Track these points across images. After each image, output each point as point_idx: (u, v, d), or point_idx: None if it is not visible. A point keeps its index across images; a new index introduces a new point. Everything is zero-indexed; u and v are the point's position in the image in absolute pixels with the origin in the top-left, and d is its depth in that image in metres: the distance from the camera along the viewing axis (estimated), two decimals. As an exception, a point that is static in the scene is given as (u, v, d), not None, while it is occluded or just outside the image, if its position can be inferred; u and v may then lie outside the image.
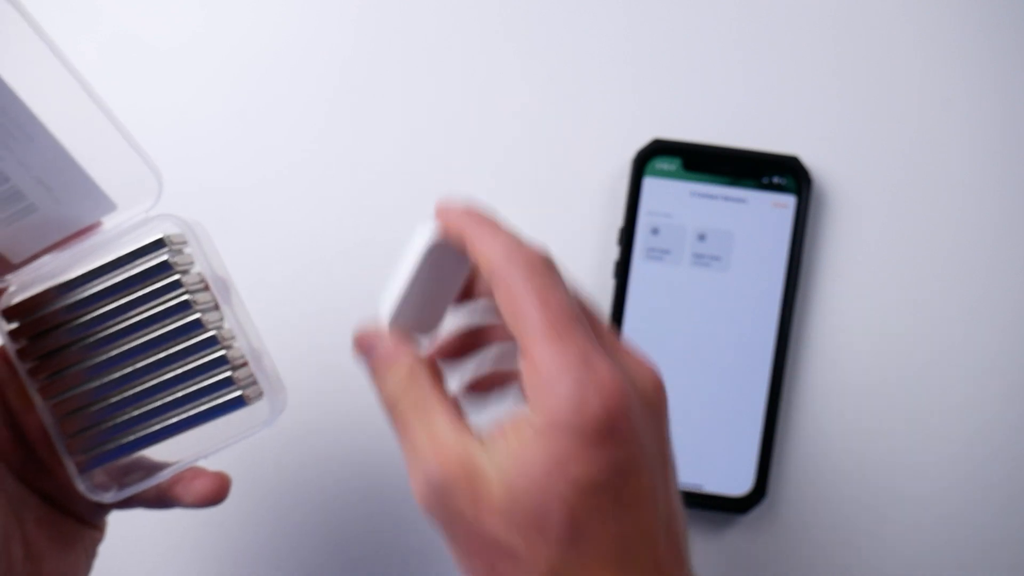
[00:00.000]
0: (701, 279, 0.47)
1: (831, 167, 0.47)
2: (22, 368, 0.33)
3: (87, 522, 0.36)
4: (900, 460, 0.47)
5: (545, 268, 0.28)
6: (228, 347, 0.33)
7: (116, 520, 0.37)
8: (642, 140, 0.47)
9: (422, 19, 0.48)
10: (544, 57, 0.48)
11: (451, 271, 0.33)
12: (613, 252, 0.47)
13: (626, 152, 0.47)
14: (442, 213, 0.31)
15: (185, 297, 0.33)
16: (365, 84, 0.48)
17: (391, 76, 0.48)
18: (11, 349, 0.33)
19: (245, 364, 0.34)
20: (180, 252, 0.33)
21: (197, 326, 0.33)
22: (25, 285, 0.33)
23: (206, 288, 0.34)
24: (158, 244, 0.33)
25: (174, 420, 0.33)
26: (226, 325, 0.34)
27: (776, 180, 0.47)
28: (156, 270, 0.33)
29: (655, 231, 0.47)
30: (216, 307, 0.34)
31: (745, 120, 0.48)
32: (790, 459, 0.47)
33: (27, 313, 0.33)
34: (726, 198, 0.47)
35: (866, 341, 0.47)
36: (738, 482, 0.46)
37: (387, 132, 0.48)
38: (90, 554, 0.36)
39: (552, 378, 0.26)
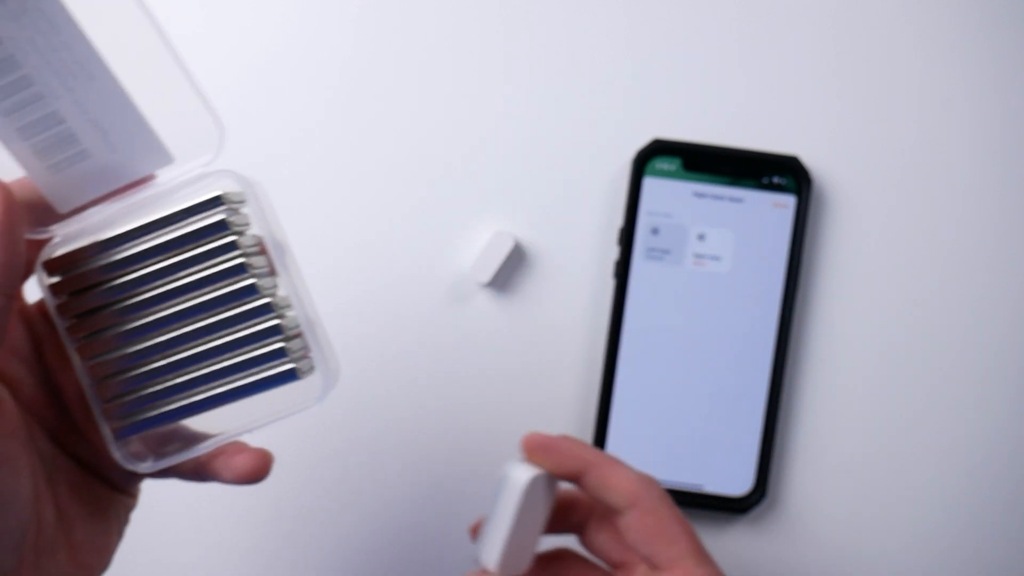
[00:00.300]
0: (701, 279, 0.47)
1: (831, 167, 0.47)
2: (61, 325, 0.31)
3: (120, 489, 0.34)
4: (900, 459, 0.47)
5: (671, 498, 0.34)
6: (282, 316, 0.31)
7: (148, 486, 0.36)
8: (642, 140, 0.47)
9: (422, 19, 0.48)
10: (544, 57, 0.48)
11: (542, 507, 0.34)
12: (613, 252, 0.47)
13: (626, 152, 0.47)
14: (542, 448, 0.34)
15: (240, 260, 0.30)
16: (364, 84, 0.48)
17: (390, 76, 0.48)
18: (51, 304, 0.31)
19: (299, 335, 0.31)
20: (236, 212, 0.31)
21: (251, 292, 0.31)
22: (70, 237, 0.31)
23: (261, 252, 0.31)
24: (215, 201, 0.30)
25: (220, 390, 0.31)
26: (280, 292, 0.31)
27: (776, 180, 0.47)
28: (211, 229, 0.30)
29: (655, 231, 0.47)
30: (271, 272, 0.31)
31: (745, 120, 0.48)
32: (790, 459, 0.47)
33: (70, 267, 0.31)
34: (726, 198, 0.47)
35: (866, 341, 0.47)
36: (738, 482, 0.46)
37: (386, 132, 0.48)
38: (122, 521, 0.35)
39: None
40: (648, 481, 0.34)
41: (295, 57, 0.48)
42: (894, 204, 0.47)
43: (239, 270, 0.31)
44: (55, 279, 0.31)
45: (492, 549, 0.34)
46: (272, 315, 0.31)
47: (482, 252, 0.47)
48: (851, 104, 0.47)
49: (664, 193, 0.47)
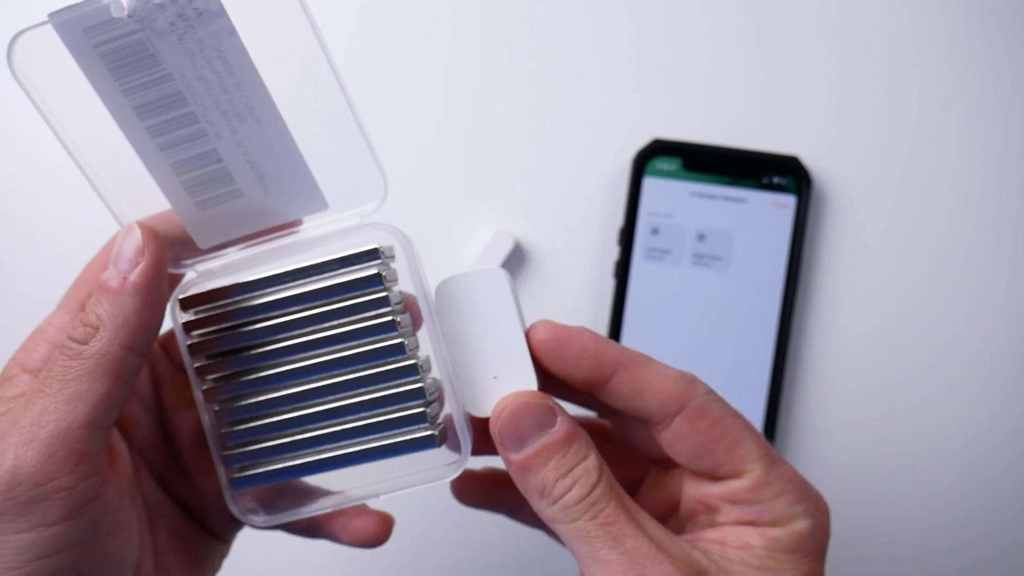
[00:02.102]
0: (701, 279, 0.47)
1: (831, 167, 0.47)
2: (190, 364, 0.30)
3: (219, 536, 0.33)
4: (901, 458, 0.47)
5: (718, 394, 0.29)
6: (423, 379, 0.29)
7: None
8: (642, 140, 0.47)
9: (423, 19, 0.48)
10: (544, 57, 0.48)
11: (486, 310, 0.29)
12: (613, 252, 0.47)
13: (626, 152, 0.47)
14: (553, 340, 0.28)
15: (391, 317, 0.29)
16: (363, 84, 0.48)
17: (390, 76, 0.48)
18: (182, 342, 0.30)
19: (438, 399, 0.30)
20: (387, 266, 0.29)
21: (398, 351, 0.29)
22: (208, 275, 0.30)
23: (405, 309, 0.30)
24: (372, 254, 0.29)
25: (353, 450, 0.30)
26: (423, 354, 0.30)
27: (776, 180, 0.47)
28: (364, 282, 0.29)
29: (655, 231, 0.47)
30: (415, 332, 0.30)
31: (745, 120, 0.48)
32: (791, 458, 0.47)
33: (206, 305, 0.30)
34: (726, 198, 0.47)
35: (866, 340, 0.47)
36: (738, 482, 0.46)
37: (386, 132, 0.48)
38: (215, 568, 0.34)
39: (792, 500, 0.27)
40: (690, 377, 0.28)
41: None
42: (894, 204, 0.47)
43: (388, 327, 0.29)
44: (188, 316, 0.30)
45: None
46: (416, 377, 0.29)
47: (482, 252, 0.47)
48: (851, 104, 0.47)
49: (664, 193, 0.47)
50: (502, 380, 0.28)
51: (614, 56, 0.48)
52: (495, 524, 0.45)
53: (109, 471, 0.28)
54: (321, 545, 0.33)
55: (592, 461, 0.27)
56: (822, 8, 0.48)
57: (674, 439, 0.28)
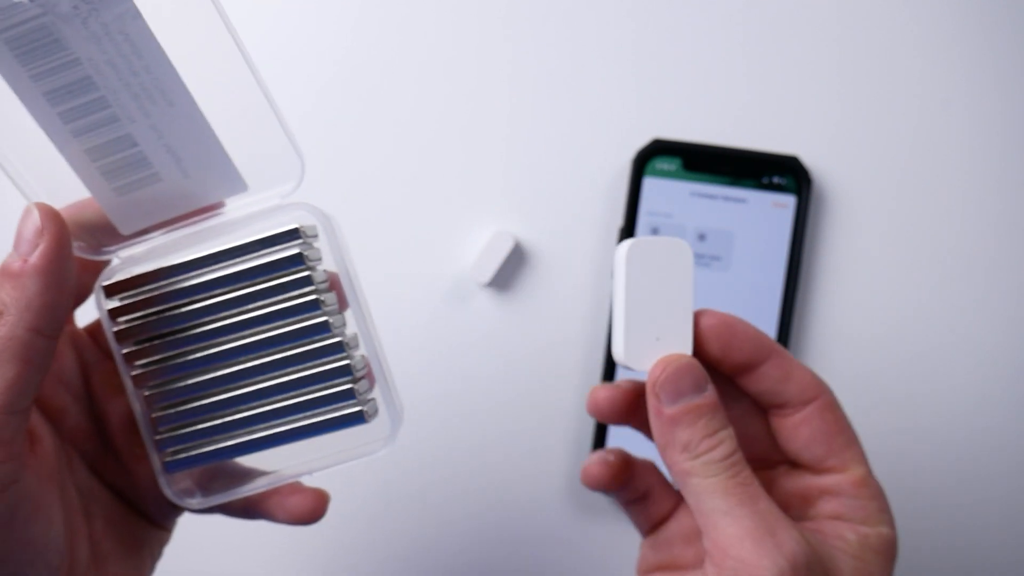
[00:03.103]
0: (701, 279, 0.47)
1: (831, 167, 0.47)
2: (118, 351, 0.30)
3: (157, 523, 0.33)
4: (901, 456, 0.47)
5: None
6: (350, 356, 0.30)
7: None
8: (642, 140, 0.47)
9: (423, 19, 0.48)
10: (544, 57, 0.48)
11: (668, 276, 0.30)
12: (613, 252, 0.47)
13: (626, 152, 0.47)
14: (723, 325, 0.31)
15: (314, 296, 0.29)
16: (363, 84, 0.48)
17: (390, 76, 0.48)
18: (108, 329, 0.30)
19: (367, 376, 0.30)
20: (310, 246, 0.30)
21: (324, 329, 0.29)
22: (132, 260, 0.30)
23: (331, 288, 0.30)
24: (292, 234, 0.29)
25: (282, 429, 0.30)
26: (349, 331, 0.30)
27: (776, 180, 0.47)
28: (286, 262, 0.29)
29: (655, 231, 0.47)
30: (341, 310, 0.30)
31: (745, 120, 0.48)
32: (790, 459, 0.47)
33: (131, 291, 0.30)
34: (726, 198, 0.47)
35: (866, 341, 0.47)
36: (738, 482, 0.46)
37: (386, 132, 0.48)
38: (155, 556, 0.34)
39: (882, 506, 0.31)
40: (823, 380, 0.31)
41: (291, 57, 0.48)
42: (894, 204, 0.47)
43: (312, 306, 0.29)
44: (114, 303, 0.30)
45: (616, 338, 0.30)
46: (342, 355, 0.30)
47: (482, 252, 0.47)
48: (851, 104, 0.47)
49: (664, 193, 0.47)
50: (663, 342, 0.30)
51: (614, 55, 0.48)
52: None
53: (29, 456, 0.28)
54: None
55: (731, 431, 0.29)
56: (822, 8, 0.48)
57: (799, 423, 0.31)
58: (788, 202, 0.47)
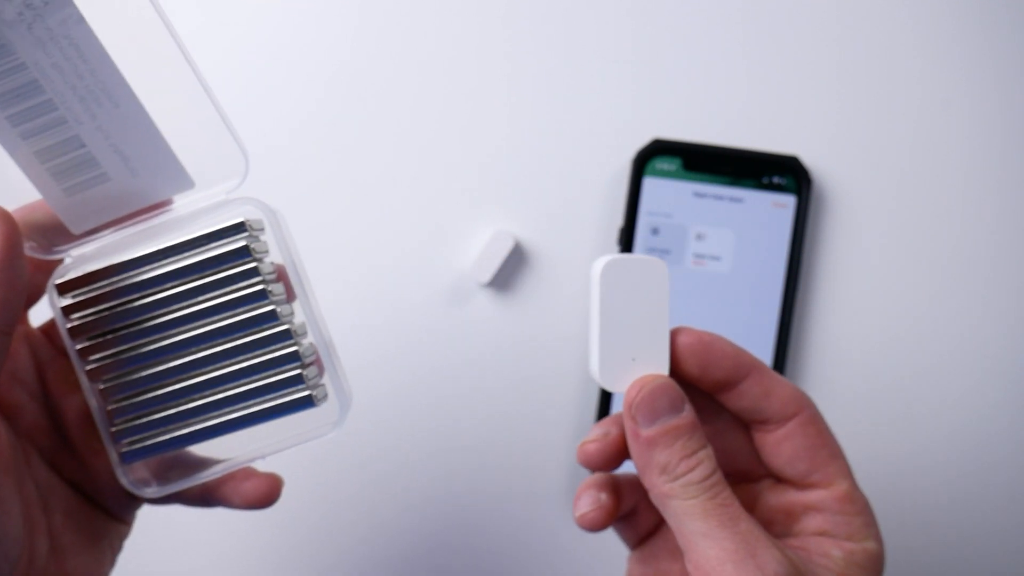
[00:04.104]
0: (701, 279, 0.47)
1: (831, 167, 0.47)
2: (72, 347, 0.31)
3: (116, 516, 0.34)
4: (901, 458, 0.47)
5: None
6: (299, 343, 0.31)
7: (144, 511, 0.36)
8: (642, 140, 0.47)
9: (423, 20, 0.48)
10: (544, 58, 0.48)
11: (643, 294, 0.30)
12: (613, 252, 0.47)
13: (626, 152, 0.47)
14: (699, 344, 0.30)
15: (261, 286, 0.30)
16: (363, 84, 0.48)
17: (390, 76, 0.48)
18: (62, 326, 0.31)
19: (315, 362, 0.32)
20: (257, 239, 0.31)
21: (271, 318, 0.31)
22: (84, 259, 0.31)
23: (279, 279, 0.31)
24: (238, 228, 0.30)
25: (234, 416, 0.31)
26: (298, 319, 0.31)
27: (776, 180, 0.47)
28: (233, 255, 0.30)
29: (655, 231, 0.47)
30: (289, 300, 0.32)
31: (745, 120, 0.48)
32: (790, 459, 0.47)
33: (83, 289, 0.31)
34: (726, 198, 0.47)
35: (866, 341, 0.47)
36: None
37: (386, 133, 0.48)
38: (116, 549, 0.34)
39: (867, 521, 0.30)
40: (805, 394, 0.31)
41: (290, 56, 0.48)
42: (894, 204, 0.47)
43: (259, 296, 0.31)
44: (67, 301, 0.31)
45: (592, 359, 0.30)
46: (290, 342, 0.31)
47: (482, 252, 0.47)
48: (851, 104, 0.47)
49: (664, 193, 0.47)
50: (639, 363, 0.30)
51: (614, 55, 0.48)
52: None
53: None
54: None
55: (710, 451, 0.29)
56: (822, 8, 0.48)
57: (782, 439, 0.30)
58: (788, 202, 0.47)
